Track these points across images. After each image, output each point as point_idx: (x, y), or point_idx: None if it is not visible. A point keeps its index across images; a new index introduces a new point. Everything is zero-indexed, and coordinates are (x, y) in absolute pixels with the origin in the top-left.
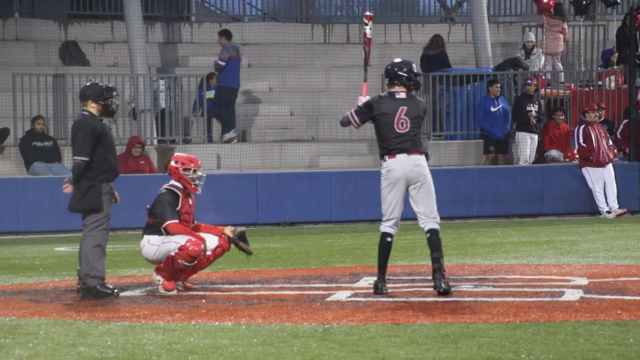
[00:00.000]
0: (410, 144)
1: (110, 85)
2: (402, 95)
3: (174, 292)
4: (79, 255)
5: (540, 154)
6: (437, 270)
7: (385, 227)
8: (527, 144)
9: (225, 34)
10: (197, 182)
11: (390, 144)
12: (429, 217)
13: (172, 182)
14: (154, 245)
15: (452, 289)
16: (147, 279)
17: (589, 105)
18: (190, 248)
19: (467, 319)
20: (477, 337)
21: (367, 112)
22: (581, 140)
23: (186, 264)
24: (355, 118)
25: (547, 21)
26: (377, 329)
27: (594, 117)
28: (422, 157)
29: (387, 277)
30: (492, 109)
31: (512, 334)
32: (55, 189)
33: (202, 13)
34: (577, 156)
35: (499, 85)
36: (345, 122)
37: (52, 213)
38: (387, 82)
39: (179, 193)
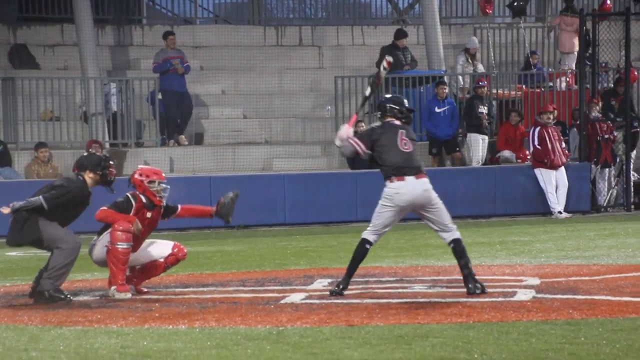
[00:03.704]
0: (417, 165)
1: (107, 155)
2: (397, 122)
3: (128, 295)
4: (49, 257)
5: (493, 155)
6: (468, 275)
7: (368, 234)
8: (478, 145)
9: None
10: (162, 194)
11: (396, 164)
12: (446, 230)
13: (136, 192)
14: (93, 244)
15: (406, 290)
16: (100, 284)
17: (545, 106)
18: (119, 228)
19: (421, 319)
20: (431, 337)
21: (368, 137)
22: (536, 143)
23: (124, 245)
24: (360, 144)
25: (563, 20)
26: (331, 331)
27: (546, 118)
28: (427, 180)
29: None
30: (437, 110)
31: (465, 334)
32: (5, 193)
33: (153, 15)
34: (529, 157)
35: (445, 86)
36: (350, 151)
37: (2, 217)
38: (379, 116)
39: (133, 203)
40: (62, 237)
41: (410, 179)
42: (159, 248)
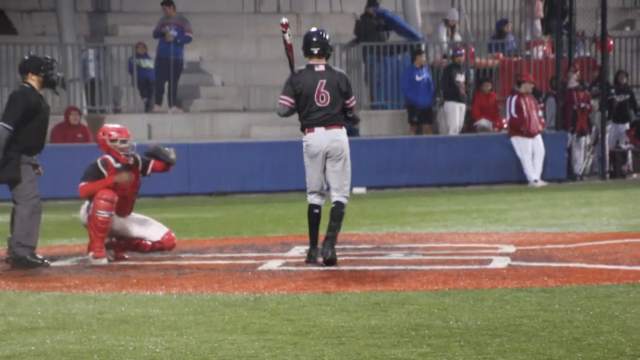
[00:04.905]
0: (329, 117)
1: (49, 57)
2: (321, 67)
3: (105, 261)
4: (11, 223)
5: (470, 124)
6: (330, 238)
7: (311, 198)
8: (456, 114)
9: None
10: (127, 152)
11: (309, 118)
12: (339, 191)
13: (106, 155)
14: (82, 208)
15: (382, 257)
16: (78, 249)
17: (524, 75)
18: (102, 196)
19: (397, 286)
20: (407, 304)
21: (291, 88)
22: (513, 111)
23: (104, 214)
24: (287, 99)
25: None
26: (308, 298)
27: (529, 87)
28: (342, 131)
29: (318, 247)
30: (417, 78)
31: (441, 301)
32: None
33: None
34: (505, 126)
35: (424, 55)
36: (281, 109)
37: None
38: (304, 54)
39: (104, 171)
40: (26, 196)
41: (319, 130)
42: (151, 229)
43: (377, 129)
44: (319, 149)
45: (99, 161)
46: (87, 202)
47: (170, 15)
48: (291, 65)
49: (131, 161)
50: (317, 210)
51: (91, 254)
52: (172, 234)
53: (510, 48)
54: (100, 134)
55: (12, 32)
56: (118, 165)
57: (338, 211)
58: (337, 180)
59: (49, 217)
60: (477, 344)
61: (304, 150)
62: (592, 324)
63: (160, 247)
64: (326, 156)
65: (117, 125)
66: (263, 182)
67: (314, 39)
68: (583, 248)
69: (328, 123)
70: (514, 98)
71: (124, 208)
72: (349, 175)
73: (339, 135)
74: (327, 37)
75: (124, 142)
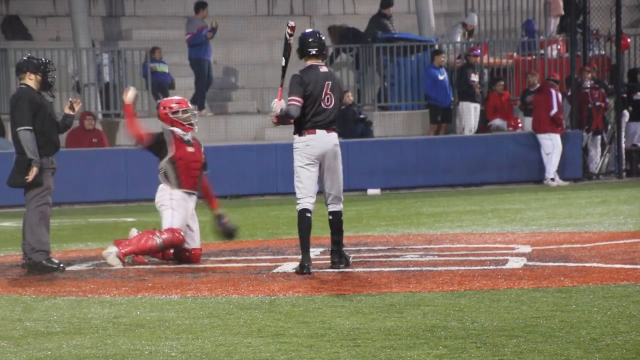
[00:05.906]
0: (331, 120)
1: (47, 59)
2: (325, 69)
3: (119, 265)
4: (23, 230)
5: (484, 124)
6: (336, 251)
7: (304, 202)
8: (471, 114)
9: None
10: (191, 121)
11: (313, 119)
12: (336, 198)
13: (172, 128)
14: (158, 192)
15: (397, 259)
16: (94, 253)
17: (554, 74)
18: (174, 234)
19: (413, 288)
20: (422, 306)
21: (302, 88)
22: (561, 105)
23: (158, 241)
24: (296, 99)
25: None
26: (323, 300)
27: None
28: (337, 136)
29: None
30: (440, 77)
31: (457, 302)
32: None
33: None
34: (520, 125)
35: (443, 55)
36: (295, 110)
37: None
38: (301, 56)
39: (166, 140)
40: (36, 201)
41: (321, 132)
42: (190, 239)
43: (392, 130)
44: (321, 151)
45: (166, 130)
46: (161, 185)
47: (204, 18)
48: (284, 66)
49: (196, 129)
50: (309, 215)
51: (115, 250)
52: (200, 251)
53: (534, 47)
54: (161, 108)
55: (27, 37)
56: (185, 135)
57: (338, 221)
58: (336, 187)
59: (65, 221)
60: (494, 345)
61: (299, 151)
62: (609, 324)
63: (185, 257)
64: (323, 160)
65: (175, 97)
66: (277, 184)
67: (310, 40)
68: (600, 247)
69: (329, 127)
70: (559, 94)
71: (188, 180)
72: (342, 179)
73: (336, 140)
74: (323, 37)
75: (185, 112)
